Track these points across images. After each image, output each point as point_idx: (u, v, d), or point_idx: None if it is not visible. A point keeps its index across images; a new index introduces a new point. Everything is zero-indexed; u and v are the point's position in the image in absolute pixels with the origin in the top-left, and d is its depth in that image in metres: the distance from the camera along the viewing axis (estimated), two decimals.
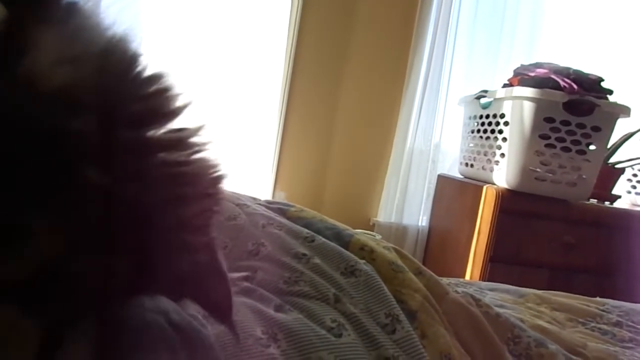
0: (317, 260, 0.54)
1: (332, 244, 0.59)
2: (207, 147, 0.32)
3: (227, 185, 0.34)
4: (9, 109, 0.23)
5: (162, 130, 0.29)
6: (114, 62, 0.28)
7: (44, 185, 0.24)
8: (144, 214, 0.28)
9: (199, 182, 0.32)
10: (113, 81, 0.27)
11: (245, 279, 0.51)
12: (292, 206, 0.71)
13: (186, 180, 0.31)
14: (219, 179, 0.33)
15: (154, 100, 0.30)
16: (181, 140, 0.31)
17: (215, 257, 0.35)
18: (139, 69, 0.29)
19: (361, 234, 0.64)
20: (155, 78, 0.30)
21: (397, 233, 2.08)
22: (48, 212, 0.24)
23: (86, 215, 0.25)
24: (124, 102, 0.28)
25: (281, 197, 2.01)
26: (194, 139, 0.31)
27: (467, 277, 1.58)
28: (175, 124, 0.30)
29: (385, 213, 2.12)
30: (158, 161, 0.29)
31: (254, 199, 0.73)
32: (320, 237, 0.60)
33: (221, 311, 0.37)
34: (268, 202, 0.73)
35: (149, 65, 0.30)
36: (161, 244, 0.30)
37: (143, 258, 0.29)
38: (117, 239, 0.27)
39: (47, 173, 0.24)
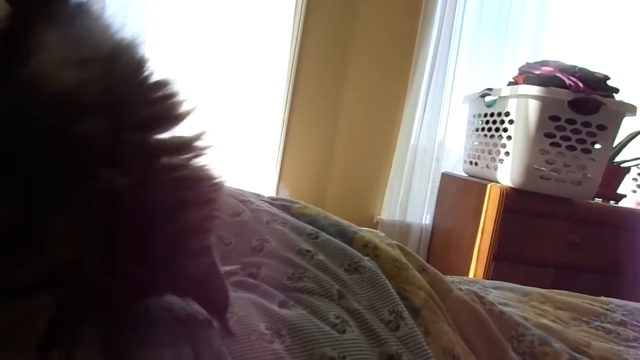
0: (321, 257, 0.54)
1: (336, 240, 0.59)
2: (208, 151, 0.32)
3: (229, 185, 0.35)
4: (14, 110, 0.23)
5: (167, 135, 0.30)
6: (121, 66, 0.28)
7: (54, 187, 0.24)
8: (151, 218, 0.28)
9: (201, 187, 0.32)
10: (120, 85, 0.27)
11: (249, 275, 0.51)
12: (296, 203, 0.71)
13: (189, 185, 0.31)
14: (219, 184, 0.34)
15: (160, 106, 0.30)
16: (184, 145, 0.31)
17: (214, 261, 0.35)
18: (146, 73, 0.29)
19: (365, 231, 0.64)
20: (162, 84, 0.30)
21: (401, 231, 2.08)
22: (64, 214, 0.25)
23: (100, 217, 0.25)
24: (130, 106, 0.28)
25: (285, 194, 2.01)
26: (196, 143, 0.32)
27: (471, 275, 1.58)
28: (180, 128, 0.31)
29: (389, 211, 2.12)
30: (162, 165, 0.29)
31: (258, 195, 0.73)
32: (324, 233, 0.60)
33: (218, 311, 0.37)
34: (272, 198, 0.73)
35: (156, 70, 0.30)
36: (166, 248, 0.30)
37: (150, 260, 0.29)
38: (126, 242, 0.27)
39: (55, 175, 0.24)
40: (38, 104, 0.23)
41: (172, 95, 0.30)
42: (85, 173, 0.25)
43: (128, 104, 0.28)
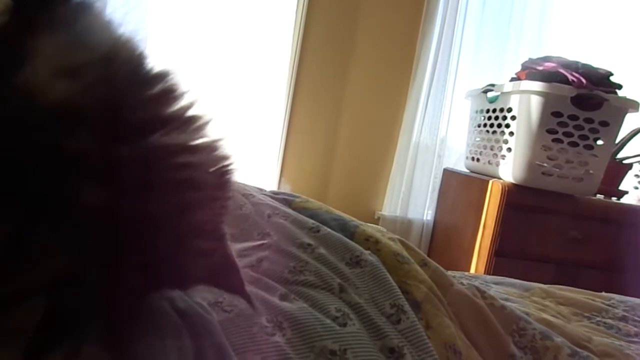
0: (322, 250, 0.54)
1: (338, 234, 0.59)
2: (212, 147, 0.31)
3: (234, 181, 0.34)
4: (5, 122, 0.22)
5: (166, 134, 0.29)
6: (119, 64, 0.27)
7: (44, 202, 0.24)
8: (151, 224, 0.28)
9: (205, 186, 0.31)
10: (118, 86, 0.27)
11: (250, 268, 0.51)
12: (298, 197, 0.71)
13: (192, 185, 0.30)
14: (227, 179, 0.33)
15: (159, 102, 0.29)
16: (185, 143, 0.30)
17: (227, 252, 0.35)
18: (145, 69, 0.29)
19: (367, 226, 0.64)
20: (160, 77, 0.29)
21: (402, 227, 2.08)
22: (53, 229, 0.24)
23: (89, 231, 0.25)
24: (127, 110, 0.27)
25: (287, 189, 2.01)
26: (198, 141, 0.31)
27: (472, 271, 1.58)
28: (179, 125, 0.30)
29: (390, 207, 2.12)
30: (163, 167, 0.28)
31: (260, 189, 0.73)
32: (326, 227, 0.60)
33: (236, 292, 0.38)
34: (274, 192, 0.73)
35: (155, 65, 0.29)
36: (171, 251, 0.30)
37: (150, 263, 0.29)
38: (123, 250, 0.27)
39: (45, 191, 0.23)
40: (29, 116, 0.23)
41: (171, 90, 0.30)
42: (74, 186, 0.24)
43: (126, 106, 0.27)
